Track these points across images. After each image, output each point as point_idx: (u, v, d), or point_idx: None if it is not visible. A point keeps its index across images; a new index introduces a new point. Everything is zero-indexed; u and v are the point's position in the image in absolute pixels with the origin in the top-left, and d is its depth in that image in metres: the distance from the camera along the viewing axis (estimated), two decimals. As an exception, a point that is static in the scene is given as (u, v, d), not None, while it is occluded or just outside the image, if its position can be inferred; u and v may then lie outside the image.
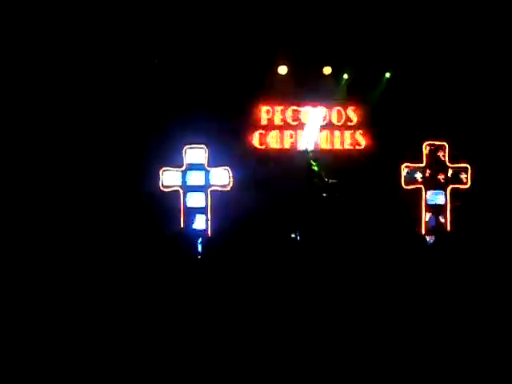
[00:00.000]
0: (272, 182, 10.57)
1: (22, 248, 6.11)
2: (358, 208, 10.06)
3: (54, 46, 9.83)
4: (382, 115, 10.96)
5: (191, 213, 10.33)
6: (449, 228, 10.25)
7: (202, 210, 10.38)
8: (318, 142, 11.16)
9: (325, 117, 11.16)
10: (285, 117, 11.20)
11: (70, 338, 3.61)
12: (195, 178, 10.41)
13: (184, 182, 10.40)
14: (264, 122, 11.20)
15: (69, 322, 3.75)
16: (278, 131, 11.20)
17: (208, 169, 10.43)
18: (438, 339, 3.76)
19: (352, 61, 10.76)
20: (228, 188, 10.44)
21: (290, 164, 10.72)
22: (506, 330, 3.76)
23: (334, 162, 10.79)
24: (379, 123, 11.04)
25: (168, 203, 10.36)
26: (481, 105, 10.60)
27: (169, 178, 10.38)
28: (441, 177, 10.72)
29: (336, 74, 11.09)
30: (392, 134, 10.79)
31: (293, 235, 5.65)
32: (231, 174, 10.40)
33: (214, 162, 10.46)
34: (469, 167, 10.68)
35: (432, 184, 10.75)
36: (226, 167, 10.41)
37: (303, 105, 11.14)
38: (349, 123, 11.32)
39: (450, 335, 3.78)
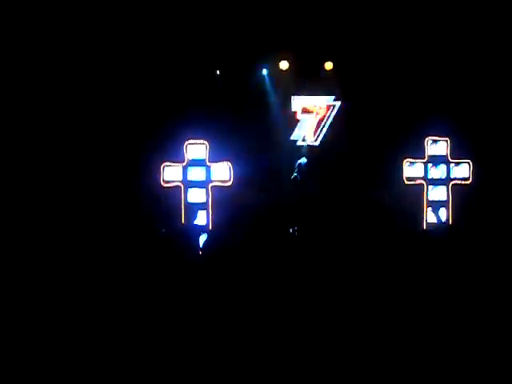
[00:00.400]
0: (272, 174, 10.62)
1: (20, 240, 6.09)
2: (359, 204, 10.06)
3: (54, 40, 9.82)
4: (385, 110, 10.94)
5: (192, 208, 10.31)
6: (450, 223, 10.19)
7: (203, 206, 10.36)
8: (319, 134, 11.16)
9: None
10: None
11: (67, 336, 3.57)
12: (196, 174, 10.40)
13: (185, 177, 10.39)
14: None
15: (66, 319, 3.72)
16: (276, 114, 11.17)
17: (209, 164, 10.41)
18: (438, 337, 3.72)
19: (354, 55, 10.71)
20: (229, 183, 10.42)
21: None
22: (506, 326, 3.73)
23: (334, 154, 10.81)
24: (382, 118, 11.01)
25: (169, 199, 10.37)
26: (483, 100, 10.57)
27: (170, 173, 10.36)
28: (443, 172, 10.69)
29: (338, 69, 11.06)
30: (394, 129, 10.78)
31: (291, 230, 5.63)
32: (232, 170, 10.38)
33: (215, 157, 10.44)
34: (471, 163, 10.64)
35: (434, 180, 10.72)
36: (227, 162, 10.38)
37: (302, 101, 11.13)
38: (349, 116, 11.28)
39: (451, 333, 3.74)
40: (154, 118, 10.59)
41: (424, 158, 10.75)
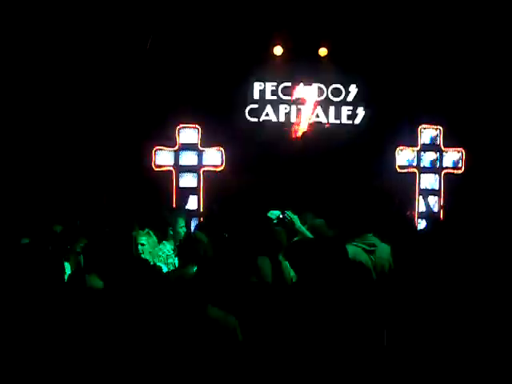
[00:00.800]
0: (265, 159, 10.57)
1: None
2: (351, 190, 10.05)
3: (43, 33, 9.68)
4: (379, 98, 10.91)
5: (183, 193, 10.27)
6: (442, 213, 10.21)
7: (194, 191, 10.33)
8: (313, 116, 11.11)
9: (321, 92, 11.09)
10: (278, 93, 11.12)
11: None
12: (188, 158, 10.35)
13: (177, 161, 10.34)
14: (256, 96, 11.10)
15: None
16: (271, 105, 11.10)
17: (201, 149, 10.36)
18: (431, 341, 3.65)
19: (350, 41, 10.65)
20: (221, 168, 10.38)
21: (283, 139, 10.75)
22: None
23: (329, 138, 10.79)
24: (375, 106, 10.99)
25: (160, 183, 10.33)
26: (476, 90, 10.55)
27: (162, 157, 10.30)
28: (435, 161, 10.70)
29: (333, 55, 11.00)
30: (387, 118, 10.76)
31: (281, 216, 5.59)
32: (224, 155, 10.33)
33: (208, 142, 10.39)
34: (463, 152, 10.65)
35: (426, 168, 10.73)
36: (219, 147, 10.34)
37: (297, 88, 11.05)
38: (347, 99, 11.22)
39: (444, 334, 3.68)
40: (146, 102, 10.50)
41: (417, 146, 10.75)
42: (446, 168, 10.70)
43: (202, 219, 9.23)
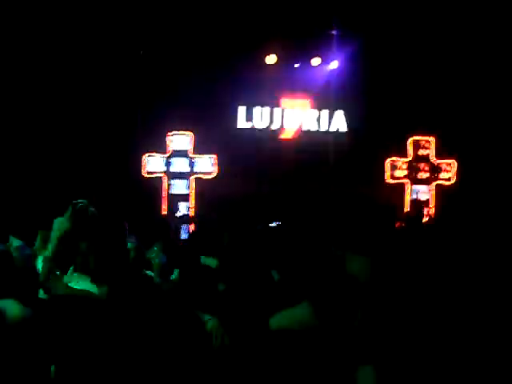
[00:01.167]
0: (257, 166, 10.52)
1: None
2: (342, 200, 10.05)
3: (34, 36, 9.62)
4: (369, 109, 10.92)
5: (174, 200, 10.24)
6: (432, 223, 10.23)
7: (185, 197, 10.29)
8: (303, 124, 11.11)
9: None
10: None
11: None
12: (179, 165, 10.32)
13: (168, 168, 10.31)
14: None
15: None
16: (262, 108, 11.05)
17: (192, 156, 10.34)
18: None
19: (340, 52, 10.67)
20: (212, 175, 10.35)
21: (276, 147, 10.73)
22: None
23: (318, 148, 10.77)
24: (365, 116, 11.00)
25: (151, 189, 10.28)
26: (467, 101, 10.59)
27: (153, 163, 10.27)
28: (425, 172, 10.73)
29: (324, 64, 11.01)
30: (378, 128, 10.76)
31: (272, 224, 5.57)
32: (215, 162, 10.31)
33: (199, 148, 10.37)
34: (454, 163, 10.69)
35: (416, 179, 10.76)
36: (211, 155, 10.32)
37: (288, 95, 11.02)
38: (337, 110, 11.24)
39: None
40: (139, 108, 10.46)
41: (408, 157, 10.78)
42: (438, 179, 10.73)
43: (194, 226, 9.17)
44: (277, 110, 10.99)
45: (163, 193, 10.26)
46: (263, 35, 10.46)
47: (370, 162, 10.71)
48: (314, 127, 11.10)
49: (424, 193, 10.74)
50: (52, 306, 3.45)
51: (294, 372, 3.06)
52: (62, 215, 5.71)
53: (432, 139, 10.76)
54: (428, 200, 10.72)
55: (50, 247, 4.73)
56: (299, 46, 10.80)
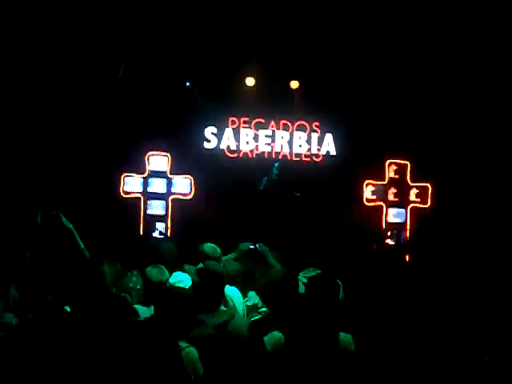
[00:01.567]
0: (237, 190, 10.51)
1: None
2: (320, 221, 10.08)
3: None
4: (346, 132, 11.02)
5: (151, 221, 10.20)
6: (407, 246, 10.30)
7: (163, 218, 10.27)
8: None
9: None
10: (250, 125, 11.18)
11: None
12: (157, 186, 10.32)
13: (145, 188, 10.29)
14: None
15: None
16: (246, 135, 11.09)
17: (170, 176, 10.35)
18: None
19: (320, 75, 10.77)
20: (189, 196, 10.36)
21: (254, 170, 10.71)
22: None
23: (296, 174, 10.81)
24: (343, 139, 11.10)
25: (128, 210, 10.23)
26: (443, 125, 10.75)
27: (130, 184, 10.25)
28: (402, 195, 10.83)
29: (304, 88, 11.11)
30: (355, 151, 10.85)
31: (251, 246, 5.56)
32: (193, 183, 10.33)
33: (177, 169, 10.38)
34: (430, 186, 10.82)
35: (393, 202, 10.85)
36: (188, 175, 10.34)
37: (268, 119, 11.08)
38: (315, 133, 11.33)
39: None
40: (116, 128, 10.44)
41: (383, 180, 10.88)
42: (413, 202, 10.84)
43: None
44: (249, 132, 11.00)
45: (140, 213, 10.23)
46: (241, 57, 10.55)
47: (348, 185, 10.80)
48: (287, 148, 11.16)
49: (400, 215, 10.83)
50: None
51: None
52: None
53: (407, 163, 10.88)
54: (404, 223, 10.80)
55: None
56: (277, 69, 10.91)
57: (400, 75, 10.53)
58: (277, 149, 11.00)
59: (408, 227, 10.78)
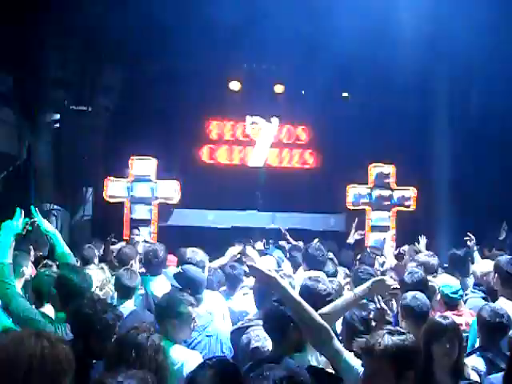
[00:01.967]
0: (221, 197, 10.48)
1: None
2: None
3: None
4: (331, 136, 11.05)
5: (136, 225, 10.15)
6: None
7: (147, 223, 10.24)
8: (268, 159, 11.24)
9: (275, 135, 11.19)
10: (235, 132, 11.23)
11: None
12: (142, 190, 10.28)
13: (130, 193, 10.26)
14: (214, 136, 11.23)
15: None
16: (227, 146, 11.21)
17: (155, 181, 10.31)
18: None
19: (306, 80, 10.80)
20: (174, 201, 10.35)
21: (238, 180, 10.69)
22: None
23: (282, 180, 10.84)
24: (328, 144, 11.15)
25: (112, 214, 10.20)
26: (427, 130, 10.81)
27: (115, 188, 10.22)
28: (386, 199, 10.88)
29: (288, 92, 11.17)
30: (340, 156, 10.88)
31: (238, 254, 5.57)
32: (178, 187, 10.31)
33: (162, 174, 10.36)
34: (414, 190, 10.86)
35: (377, 206, 10.89)
36: (174, 180, 10.32)
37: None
38: (298, 142, 11.43)
39: None
40: (101, 132, 10.40)
41: (368, 184, 10.93)
42: (397, 205, 10.89)
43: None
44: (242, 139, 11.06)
45: (125, 218, 10.19)
46: (227, 62, 10.54)
47: (333, 189, 10.84)
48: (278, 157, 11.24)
49: (384, 219, 10.87)
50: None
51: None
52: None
53: (392, 167, 10.93)
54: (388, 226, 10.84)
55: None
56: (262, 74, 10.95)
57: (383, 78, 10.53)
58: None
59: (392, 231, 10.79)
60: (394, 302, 4.30)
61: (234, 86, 11.03)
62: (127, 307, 4.45)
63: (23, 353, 2.07)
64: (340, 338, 3.52)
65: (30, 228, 4.20)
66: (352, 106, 11.24)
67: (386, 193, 10.90)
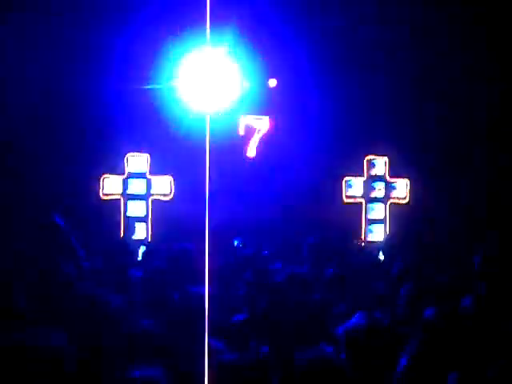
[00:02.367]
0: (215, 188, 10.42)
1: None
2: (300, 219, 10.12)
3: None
4: (325, 127, 11.04)
5: (131, 222, 10.16)
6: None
7: (143, 220, 10.23)
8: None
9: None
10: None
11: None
12: (136, 187, 10.26)
13: (125, 190, 10.24)
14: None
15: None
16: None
17: (149, 177, 10.30)
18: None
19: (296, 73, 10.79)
20: (170, 197, 10.33)
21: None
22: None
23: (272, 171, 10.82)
24: (322, 135, 11.13)
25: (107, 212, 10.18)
26: (421, 121, 10.84)
27: (109, 185, 10.19)
28: (381, 191, 10.90)
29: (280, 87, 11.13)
30: (334, 147, 10.88)
31: (235, 243, 5.59)
32: (173, 183, 10.30)
33: (157, 170, 10.34)
34: (408, 182, 10.89)
35: (372, 198, 10.90)
36: (168, 176, 10.30)
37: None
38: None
39: None
40: (94, 128, 10.35)
41: (363, 177, 10.94)
42: (392, 198, 10.91)
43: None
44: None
45: (120, 215, 10.18)
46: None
47: (328, 182, 10.84)
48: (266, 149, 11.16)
49: (379, 211, 10.89)
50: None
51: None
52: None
53: (386, 159, 10.94)
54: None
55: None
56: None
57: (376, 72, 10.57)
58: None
59: (388, 223, 10.84)
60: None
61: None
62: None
63: None
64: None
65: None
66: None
67: (381, 185, 10.91)
